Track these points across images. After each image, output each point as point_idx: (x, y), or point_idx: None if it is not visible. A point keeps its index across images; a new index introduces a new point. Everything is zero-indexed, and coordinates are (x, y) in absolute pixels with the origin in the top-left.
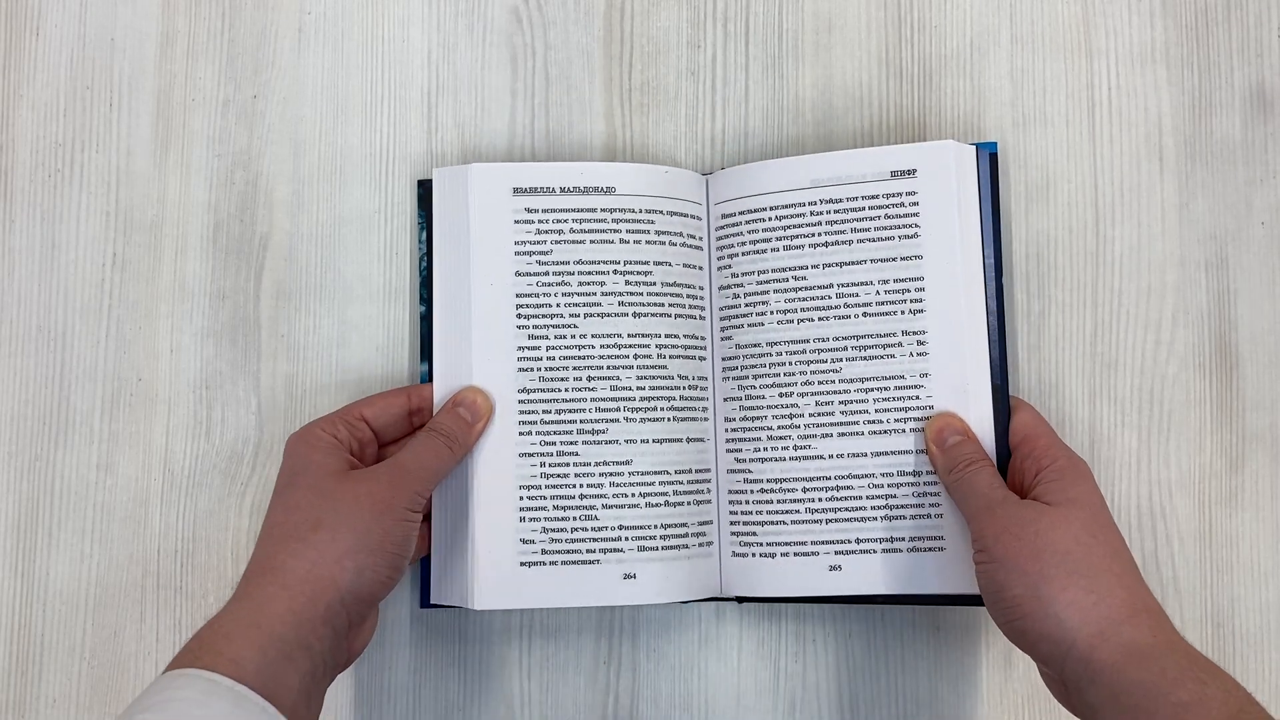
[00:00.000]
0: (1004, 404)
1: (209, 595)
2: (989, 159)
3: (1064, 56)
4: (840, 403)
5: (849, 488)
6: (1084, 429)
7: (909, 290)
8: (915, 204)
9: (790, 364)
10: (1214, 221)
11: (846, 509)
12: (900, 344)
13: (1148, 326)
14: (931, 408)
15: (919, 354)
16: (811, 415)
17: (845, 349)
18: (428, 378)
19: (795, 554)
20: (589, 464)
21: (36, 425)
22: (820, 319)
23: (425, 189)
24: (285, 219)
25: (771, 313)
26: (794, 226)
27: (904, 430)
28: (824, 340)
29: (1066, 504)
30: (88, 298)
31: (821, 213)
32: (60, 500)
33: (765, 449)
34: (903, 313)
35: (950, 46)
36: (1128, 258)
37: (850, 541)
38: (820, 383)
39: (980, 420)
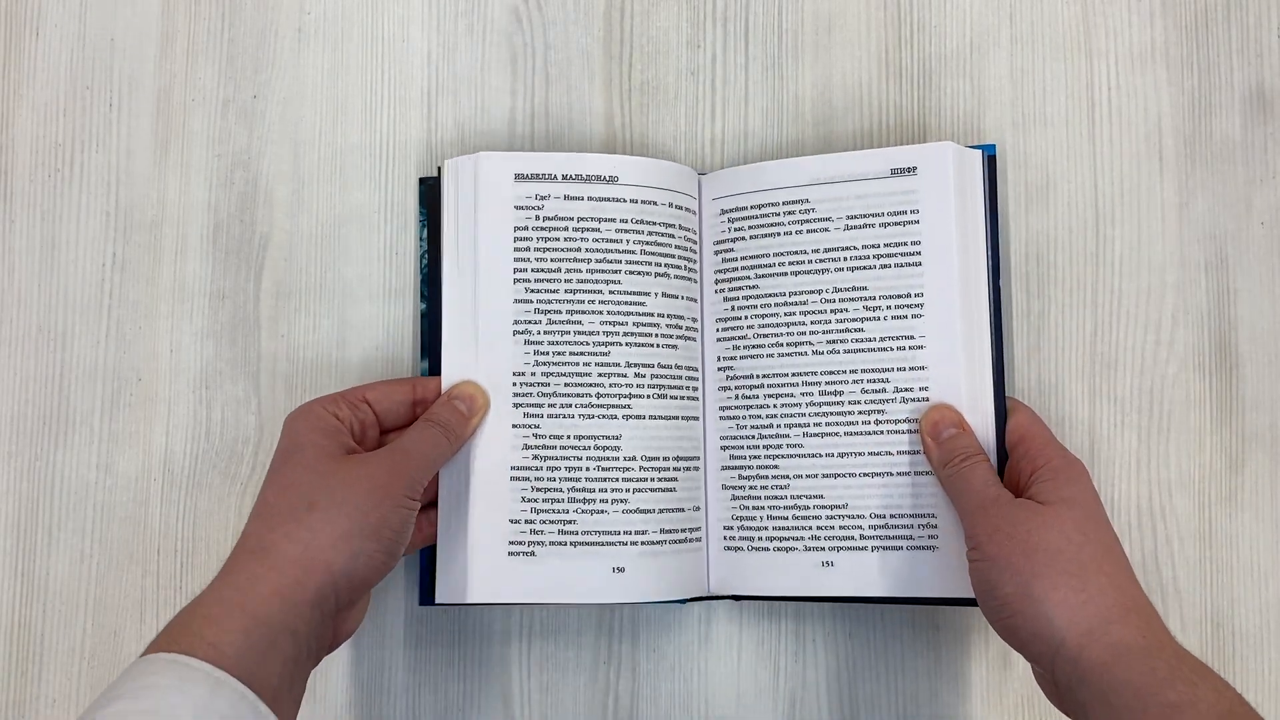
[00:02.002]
0: (1001, 405)
1: None
2: (988, 161)
3: (1064, 57)
4: (836, 398)
5: (843, 484)
6: (1084, 429)
7: (908, 290)
8: (915, 201)
9: (786, 358)
10: (1214, 221)
11: (839, 505)
12: (898, 340)
13: (1148, 326)
14: (928, 402)
15: (916, 353)
16: (806, 410)
17: (844, 342)
18: (428, 375)
19: (788, 548)
20: (582, 449)
21: (36, 425)
22: (817, 314)
23: (426, 186)
24: (285, 219)
25: (768, 308)
26: (792, 222)
27: (899, 429)
28: (821, 335)
29: (1060, 503)
30: (88, 298)
31: (814, 210)
32: (60, 500)
33: (759, 442)
34: (901, 310)
35: (950, 47)
36: (1128, 258)
37: (842, 538)
38: (816, 377)
39: (982, 421)
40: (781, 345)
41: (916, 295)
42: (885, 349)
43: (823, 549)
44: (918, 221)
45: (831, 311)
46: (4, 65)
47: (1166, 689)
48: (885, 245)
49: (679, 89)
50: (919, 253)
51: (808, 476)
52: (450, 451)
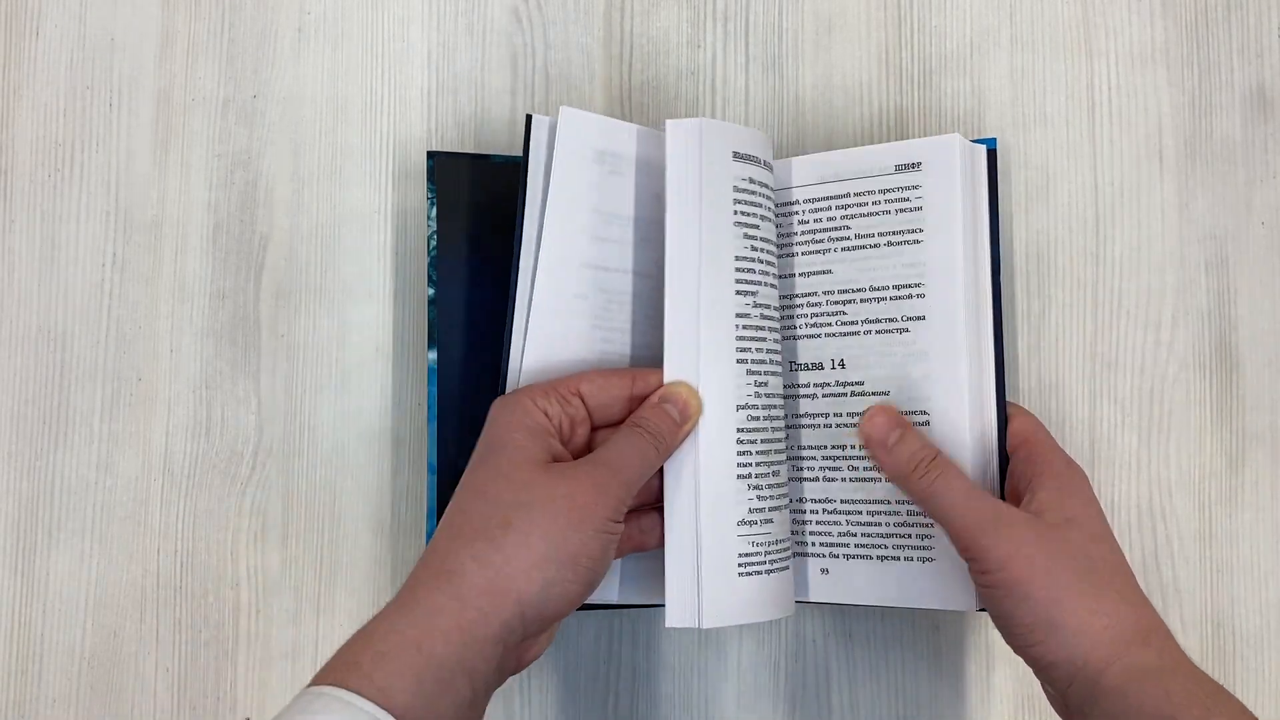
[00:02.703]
0: (1003, 406)
1: (209, 595)
2: (989, 155)
3: (1064, 56)
4: (836, 400)
5: (839, 489)
6: (1084, 429)
7: (910, 287)
8: (920, 197)
9: (790, 362)
10: (1214, 221)
11: (837, 510)
12: (900, 343)
13: (1148, 326)
14: (929, 412)
15: (918, 354)
16: (806, 411)
17: (845, 347)
18: (435, 367)
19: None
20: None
21: (36, 425)
22: (821, 316)
23: (436, 161)
24: (285, 219)
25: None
26: (799, 223)
27: None
28: (824, 339)
29: (1068, 522)
30: (88, 298)
31: (825, 209)
32: (60, 500)
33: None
34: (905, 308)
35: (950, 46)
36: (1128, 258)
37: (839, 545)
38: (816, 380)
39: (986, 422)
40: (785, 345)
41: (919, 295)
42: (888, 349)
43: (823, 555)
44: (921, 217)
45: (833, 312)
46: (4, 65)
47: (1181, 714)
48: (888, 243)
49: (679, 89)
50: (922, 249)
51: (806, 480)
52: (658, 464)
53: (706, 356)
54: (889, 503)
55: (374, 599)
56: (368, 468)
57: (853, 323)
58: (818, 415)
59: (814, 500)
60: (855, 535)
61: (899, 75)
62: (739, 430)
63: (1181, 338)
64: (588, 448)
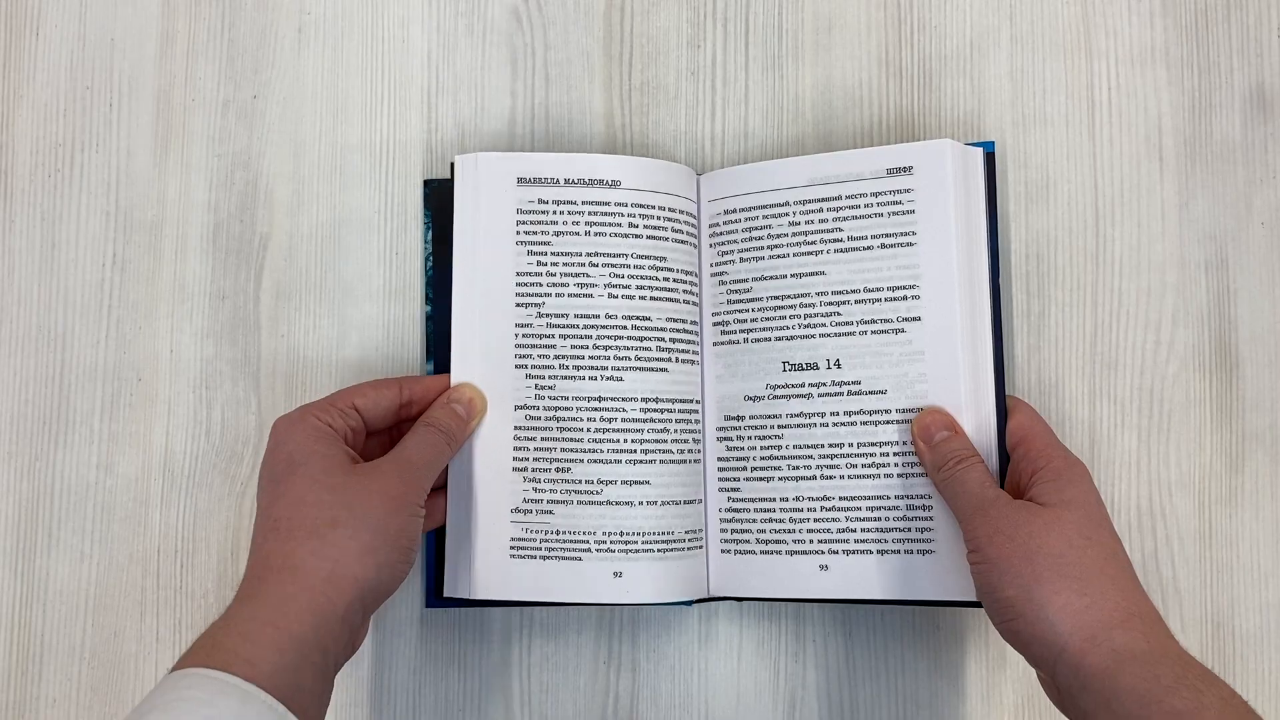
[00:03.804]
0: (1002, 405)
1: (209, 595)
2: (986, 158)
3: (1064, 56)
4: (833, 398)
5: (837, 486)
6: (1084, 429)
7: (905, 294)
8: (911, 201)
9: (783, 362)
10: (1214, 221)
11: (835, 507)
12: (896, 339)
13: (1148, 326)
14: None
15: (914, 353)
16: (802, 410)
17: (840, 348)
18: (433, 375)
19: (785, 551)
20: (580, 460)
21: (36, 425)
22: (815, 317)
23: (431, 188)
24: (285, 219)
25: (767, 312)
26: (790, 225)
27: (894, 432)
28: (818, 336)
29: (1061, 505)
30: (88, 298)
31: (816, 211)
32: (60, 500)
33: (755, 444)
34: (899, 310)
35: (950, 46)
36: (1128, 258)
37: (838, 541)
38: (812, 383)
39: (984, 422)
40: (777, 345)
41: (913, 296)
42: (884, 349)
43: (821, 551)
44: (914, 220)
45: (828, 313)
46: (4, 65)
47: (1171, 696)
48: (881, 246)
49: (679, 89)
50: (915, 251)
51: (802, 479)
52: (450, 456)
53: (486, 361)
54: (889, 497)
55: None
56: None
57: (848, 323)
58: (813, 414)
59: (811, 498)
60: (855, 530)
61: (899, 75)
62: (516, 428)
63: (1181, 338)
64: (364, 452)
